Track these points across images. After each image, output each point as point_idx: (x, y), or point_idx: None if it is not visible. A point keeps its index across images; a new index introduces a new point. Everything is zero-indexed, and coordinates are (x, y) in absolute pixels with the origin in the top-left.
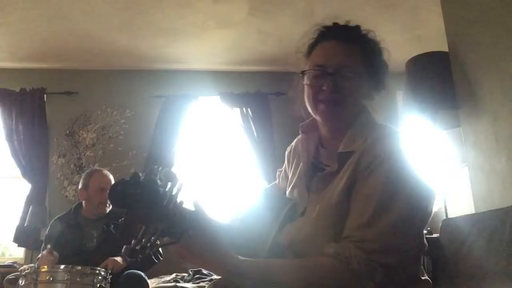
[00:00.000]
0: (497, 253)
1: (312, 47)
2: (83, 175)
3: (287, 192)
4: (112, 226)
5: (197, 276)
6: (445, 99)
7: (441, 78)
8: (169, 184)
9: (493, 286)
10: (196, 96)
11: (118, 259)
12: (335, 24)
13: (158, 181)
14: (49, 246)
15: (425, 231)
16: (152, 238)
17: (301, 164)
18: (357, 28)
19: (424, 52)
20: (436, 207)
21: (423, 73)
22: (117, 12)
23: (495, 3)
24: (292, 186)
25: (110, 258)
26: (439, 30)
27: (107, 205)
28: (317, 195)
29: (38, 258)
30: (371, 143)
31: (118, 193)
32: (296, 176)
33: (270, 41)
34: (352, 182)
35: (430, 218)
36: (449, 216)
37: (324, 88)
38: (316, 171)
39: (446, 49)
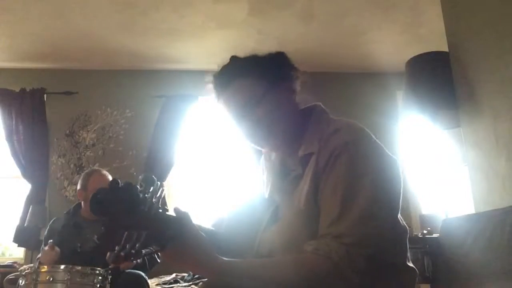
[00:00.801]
0: (497, 253)
1: (219, 105)
2: (81, 176)
3: (267, 197)
4: (95, 236)
5: (197, 276)
6: (445, 99)
7: (441, 78)
8: (150, 189)
9: (493, 286)
10: (196, 96)
11: None
12: (214, 76)
13: (138, 186)
14: (51, 241)
15: (424, 231)
16: (137, 245)
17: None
18: (230, 66)
19: (424, 52)
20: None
21: (423, 73)
22: (117, 12)
23: (495, 3)
24: (270, 192)
25: None
26: (439, 30)
27: None
28: (288, 200)
29: (38, 257)
30: (325, 140)
31: (98, 201)
32: (270, 183)
33: (270, 42)
34: (316, 183)
35: (400, 199)
36: (449, 216)
37: (248, 136)
38: (284, 176)
39: (446, 49)
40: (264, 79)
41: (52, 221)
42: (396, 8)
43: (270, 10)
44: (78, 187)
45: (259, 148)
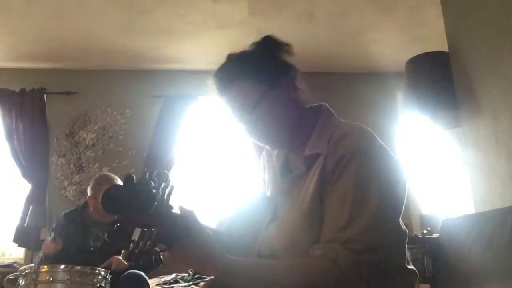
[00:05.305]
0: (497, 253)
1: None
2: (92, 183)
3: (268, 195)
4: (106, 234)
5: (197, 276)
6: (445, 99)
7: (441, 78)
8: (162, 185)
9: (493, 286)
10: (196, 96)
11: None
12: (214, 76)
13: (152, 182)
14: (52, 234)
15: (424, 231)
16: (148, 242)
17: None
18: (228, 68)
19: (424, 52)
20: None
21: (423, 73)
22: (117, 12)
23: (495, 3)
24: (271, 190)
25: (114, 256)
26: (439, 30)
27: None
28: (288, 198)
29: (39, 257)
30: (334, 143)
31: (111, 198)
32: (272, 180)
33: None
34: (322, 185)
35: (404, 205)
36: (449, 216)
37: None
38: (286, 174)
39: (446, 49)
40: (263, 80)
41: (60, 215)
42: (396, 8)
43: (270, 10)
44: (89, 193)
45: (263, 145)
